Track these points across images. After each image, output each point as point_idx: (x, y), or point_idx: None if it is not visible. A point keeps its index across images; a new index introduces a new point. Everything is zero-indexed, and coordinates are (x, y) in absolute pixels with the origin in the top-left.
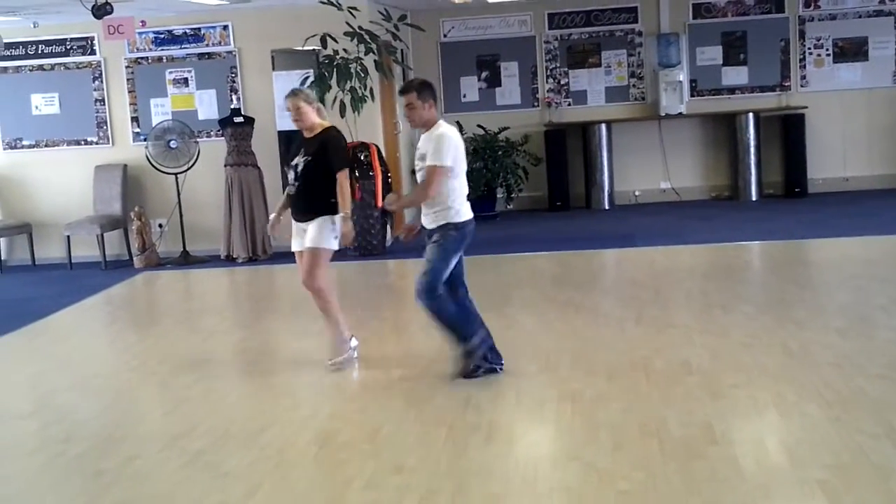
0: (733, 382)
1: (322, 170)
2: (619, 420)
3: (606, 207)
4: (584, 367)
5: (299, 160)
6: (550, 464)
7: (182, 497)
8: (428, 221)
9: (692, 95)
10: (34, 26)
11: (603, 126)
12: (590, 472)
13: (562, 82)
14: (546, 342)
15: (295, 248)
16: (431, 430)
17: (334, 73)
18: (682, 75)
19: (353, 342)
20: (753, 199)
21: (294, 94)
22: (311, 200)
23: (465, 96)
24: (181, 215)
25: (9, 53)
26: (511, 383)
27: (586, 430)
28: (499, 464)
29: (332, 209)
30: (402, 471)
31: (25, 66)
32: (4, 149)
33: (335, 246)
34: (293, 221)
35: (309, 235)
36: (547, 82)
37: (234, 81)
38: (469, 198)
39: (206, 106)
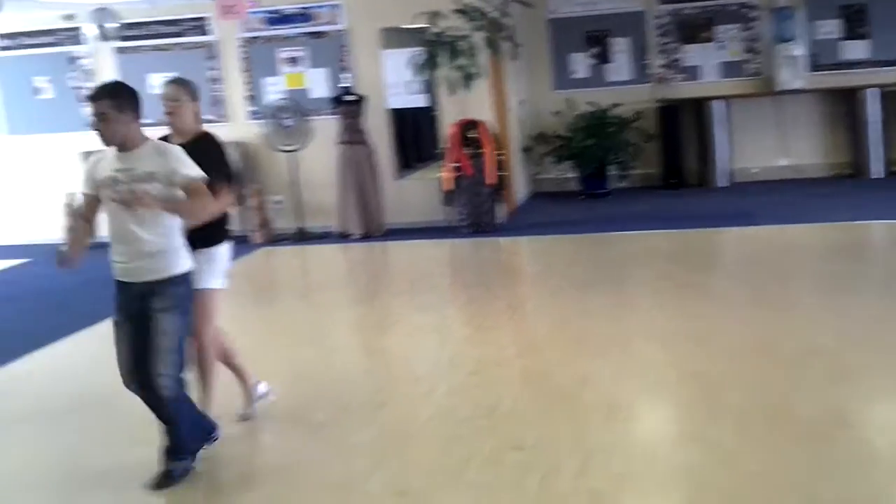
0: (861, 365)
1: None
2: (743, 402)
3: (723, 184)
4: (705, 348)
5: None
6: (673, 444)
7: (307, 469)
8: (138, 271)
9: (811, 70)
10: (151, 7)
11: (718, 102)
12: (714, 454)
13: (673, 57)
14: (664, 322)
15: None
16: (550, 407)
17: (443, 51)
18: (800, 50)
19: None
20: (877, 176)
21: (177, 83)
22: (195, 227)
23: (574, 73)
24: (297, 192)
25: (127, 34)
26: (629, 363)
27: (709, 412)
28: (621, 443)
29: (221, 236)
30: (522, 448)
31: (143, 46)
32: None
33: (224, 285)
34: None
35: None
36: (658, 58)
37: (344, 60)
38: (580, 175)
39: (318, 84)
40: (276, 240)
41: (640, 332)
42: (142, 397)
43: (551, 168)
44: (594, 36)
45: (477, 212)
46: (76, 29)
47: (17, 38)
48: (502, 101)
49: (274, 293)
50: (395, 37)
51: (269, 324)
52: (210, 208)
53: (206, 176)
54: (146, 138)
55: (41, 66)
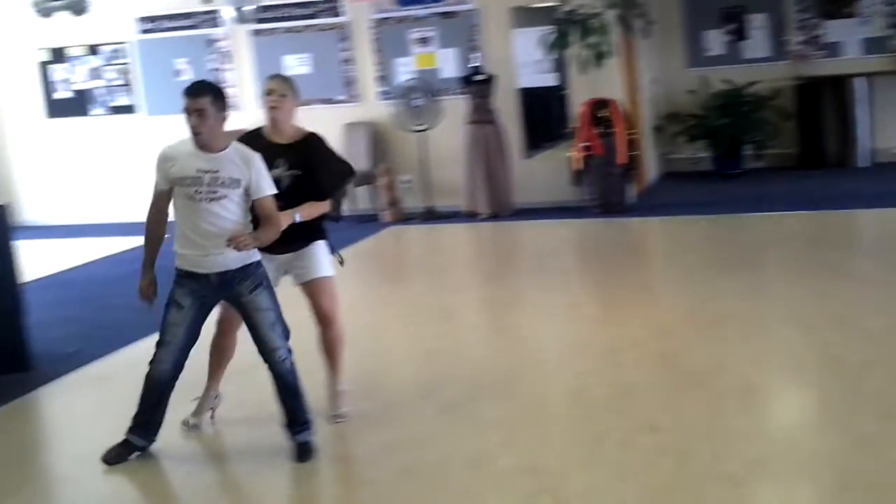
0: None
1: (311, 187)
2: (885, 387)
3: (864, 165)
4: (845, 332)
5: (281, 174)
6: (812, 430)
7: (441, 443)
8: (213, 263)
9: None
10: None
11: (860, 79)
12: (855, 440)
13: (813, 34)
14: (802, 305)
15: None
16: (685, 390)
17: (575, 29)
18: None
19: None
20: None
21: (281, 78)
22: (303, 224)
23: (708, 50)
24: (426, 172)
25: (262, 16)
26: (766, 347)
27: (850, 397)
28: (758, 428)
29: (324, 232)
30: (657, 430)
31: (277, 28)
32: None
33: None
34: (262, 254)
35: (311, 267)
36: (797, 34)
37: (475, 40)
38: (714, 154)
39: (448, 64)
40: (405, 219)
41: (778, 315)
42: (164, 381)
43: (683, 147)
44: (730, 12)
45: (607, 192)
46: (214, 12)
47: (158, 22)
48: (634, 80)
49: (403, 272)
50: (526, 15)
51: (399, 302)
52: (310, 211)
53: (276, 192)
54: (230, 140)
55: (180, 49)
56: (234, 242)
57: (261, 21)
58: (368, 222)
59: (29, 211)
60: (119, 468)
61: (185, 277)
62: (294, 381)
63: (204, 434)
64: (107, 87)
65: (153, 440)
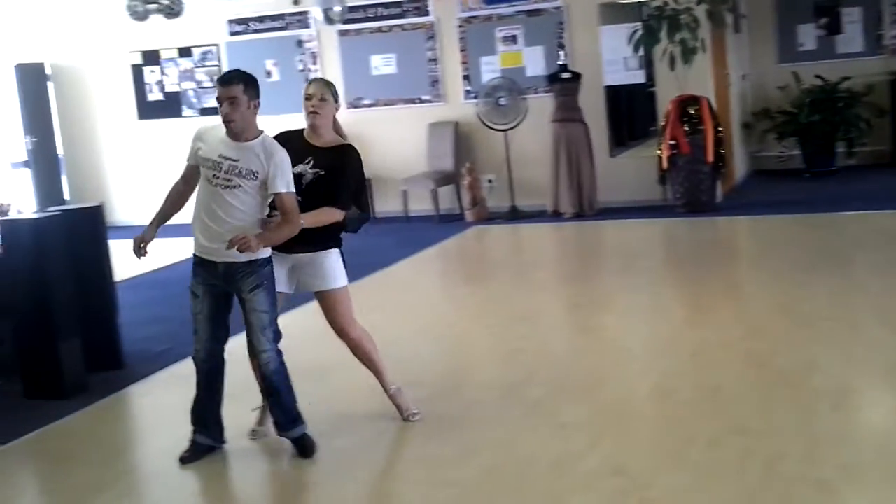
0: None
1: (331, 190)
2: None
3: None
4: None
5: (305, 170)
6: None
7: (524, 444)
8: (219, 252)
9: None
10: None
11: None
12: None
13: None
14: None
15: (281, 286)
16: (775, 392)
17: (663, 26)
18: None
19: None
20: None
21: (323, 82)
22: (319, 227)
23: (801, 45)
24: (509, 171)
25: (349, 17)
26: (859, 348)
27: None
28: (849, 432)
29: (339, 240)
30: (746, 432)
31: (366, 28)
32: (347, 108)
33: (347, 281)
34: (274, 253)
35: (322, 276)
36: (893, 28)
37: (561, 37)
38: (805, 152)
39: (534, 62)
40: (489, 218)
41: (871, 316)
42: (205, 370)
43: (773, 145)
44: (823, 6)
45: (694, 190)
46: (304, 13)
47: (247, 24)
48: (723, 76)
49: (486, 271)
50: (613, 12)
51: (482, 302)
52: (317, 218)
53: (294, 192)
54: (261, 132)
55: (269, 50)
56: (235, 243)
57: (348, 21)
58: (452, 221)
59: (120, 211)
60: (207, 466)
61: (197, 265)
62: (278, 382)
63: (275, 439)
64: (197, 88)
65: (221, 441)
